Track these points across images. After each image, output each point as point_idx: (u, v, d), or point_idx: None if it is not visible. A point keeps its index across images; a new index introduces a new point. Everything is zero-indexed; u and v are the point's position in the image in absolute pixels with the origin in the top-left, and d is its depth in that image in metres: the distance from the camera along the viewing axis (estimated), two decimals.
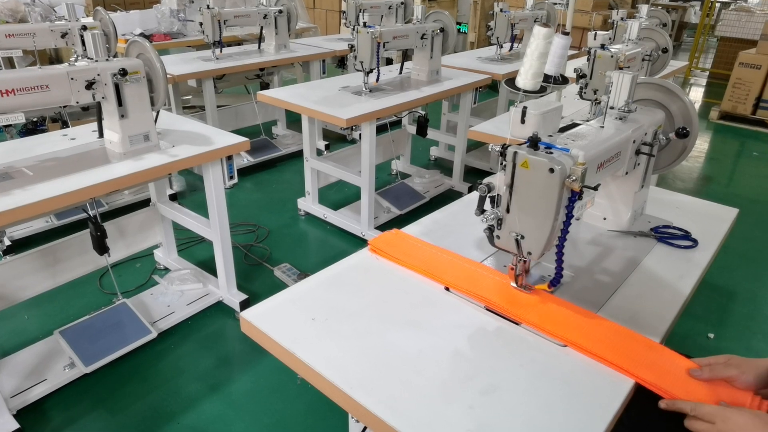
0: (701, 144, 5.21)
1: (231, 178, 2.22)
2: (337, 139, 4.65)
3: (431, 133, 3.86)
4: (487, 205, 1.12)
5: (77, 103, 1.84)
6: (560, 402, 0.92)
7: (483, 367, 0.99)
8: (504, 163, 1.06)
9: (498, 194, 1.10)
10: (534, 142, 1.02)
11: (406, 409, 0.89)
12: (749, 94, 5.70)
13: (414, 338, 1.06)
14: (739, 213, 1.64)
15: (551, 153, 1.01)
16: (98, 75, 1.86)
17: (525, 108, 1.11)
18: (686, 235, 1.47)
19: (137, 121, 2.01)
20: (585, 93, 2.31)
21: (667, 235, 1.47)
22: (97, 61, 1.89)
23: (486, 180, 1.11)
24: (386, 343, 1.04)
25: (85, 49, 1.89)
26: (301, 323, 1.08)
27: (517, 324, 1.10)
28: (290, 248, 3.07)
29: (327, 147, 4.31)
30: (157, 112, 2.13)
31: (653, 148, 1.35)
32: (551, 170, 0.98)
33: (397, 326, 1.09)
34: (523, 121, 1.12)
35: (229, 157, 2.19)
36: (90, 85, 1.84)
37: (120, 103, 1.95)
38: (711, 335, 2.46)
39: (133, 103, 1.98)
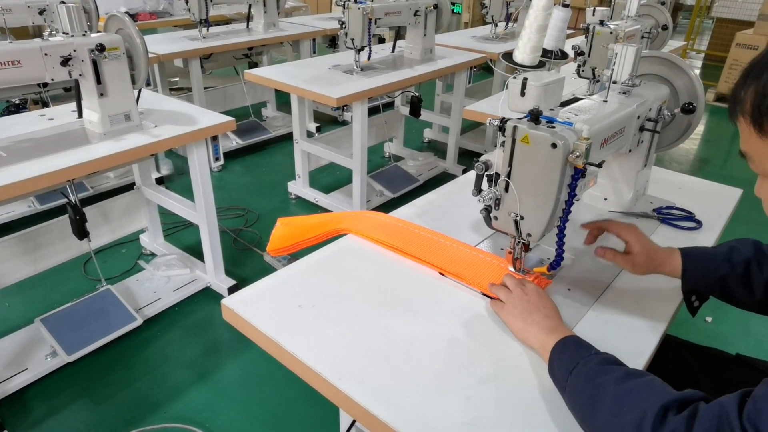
0: (698, 126, 5.15)
1: (217, 159, 2.14)
2: (328, 121, 4.56)
3: (425, 115, 3.78)
4: (485, 185, 1.06)
5: (52, 80, 1.74)
6: None
7: (481, 355, 0.93)
8: (503, 138, 0.99)
9: (496, 172, 1.03)
10: (535, 116, 0.95)
11: (398, 400, 0.83)
12: None
13: (407, 325, 1.00)
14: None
15: (553, 127, 0.94)
16: (74, 51, 1.76)
17: (525, 79, 1.04)
18: (690, 216, 1.42)
19: (117, 100, 1.92)
20: (583, 71, 2.23)
21: (670, 216, 1.42)
22: (73, 36, 1.80)
23: (483, 157, 1.04)
24: (378, 331, 0.98)
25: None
26: (286, 310, 1.02)
27: None
28: None
29: (318, 129, 4.21)
30: (139, 91, 2.04)
31: (658, 124, 1.28)
32: (554, 145, 0.92)
33: (390, 312, 1.03)
34: (522, 94, 1.04)
35: (214, 138, 2.10)
36: (66, 62, 1.75)
37: (99, 81, 1.85)
38: (708, 319, 2.43)
39: (113, 81, 1.89)
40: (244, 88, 4.15)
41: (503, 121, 0.97)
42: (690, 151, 4.52)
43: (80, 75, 1.82)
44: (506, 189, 1.01)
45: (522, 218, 1.01)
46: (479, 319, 1.03)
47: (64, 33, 1.80)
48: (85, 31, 1.83)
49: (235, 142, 3.89)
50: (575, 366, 0.82)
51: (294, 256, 1.34)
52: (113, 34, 1.90)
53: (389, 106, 4.12)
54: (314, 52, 4.23)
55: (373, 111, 3.48)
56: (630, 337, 0.99)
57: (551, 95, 1.05)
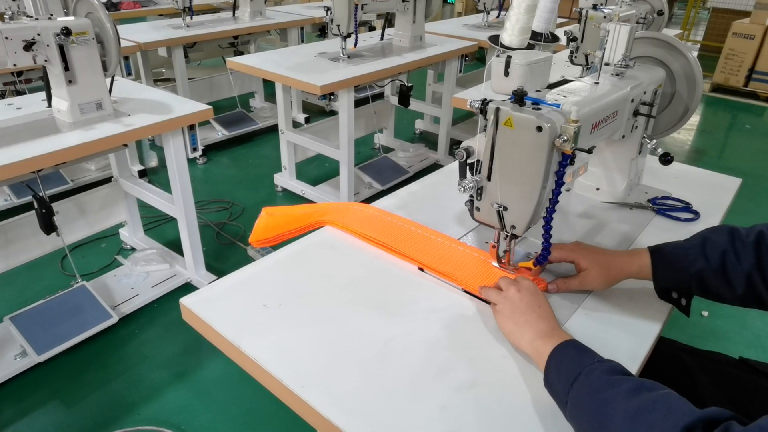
0: (693, 117, 5.08)
1: (194, 149, 2.05)
2: (318, 112, 4.47)
3: (416, 105, 3.70)
4: (468, 174, 0.98)
5: (15, 65, 1.65)
6: (551, 399, 0.79)
7: (460, 359, 0.86)
8: (485, 122, 0.91)
9: (478, 159, 0.95)
10: (519, 97, 0.87)
11: (366, 410, 0.75)
12: (742, 65, 5.56)
13: (382, 325, 0.92)
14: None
15: (539, 109, 0.86)
16: (38, 35, 1.67)
17: (509, 58, 0.96)
18: (687, 207, 1.34)
19: (88, 88, 1.83)
20: (576, 57, 2.15)
21: (665, 206, 1.34)
22: (37, 19, 1.70)
23: (465, 143, 0.96)
24: (349, 333, 0.90)
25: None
26: (249, 310, 0.94)
27: None
28: None
29: (307, 120, 4.12)
30: (111, 78, 1.95)
31: (653, 108, 1.20)
32: (539, 129, 0.83)
33: (364, 312, 0.95)
34: (506, 74, 0.96)
35: (192, 127, 2.01)
36: (29, 46, 1.65)
37: (66, 67, 1.76)
38: (705, 313, 2.36)
39: (82, 68, 1.80)
40: (230, 78, 4.04)
41: (485, 102, 0.89)
42: (685, 142, 4.45)
43: (46, 61, 1.72)
44: (489, 177, 0.93)
45: (505, 209, 0.93)
46: (461, 318, 0.95)
47: (27, 16, 1.70)
48: (51, 15, 1.74)
49: (221, 133, 3.79)
50: (576, 377, 0.72)
51: (277, 250, 1.27)
52: (82, 18, 1.81)
53: (379, 97, 4.02)
54: (302, 41, 4.13)
55: (363, 102, 3.39)
56: (623, 338, 0.92)
57: (537, 75, 0.97)
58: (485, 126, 0.91)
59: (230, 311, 0.93)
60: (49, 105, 1.93)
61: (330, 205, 1.30)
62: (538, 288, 0.93)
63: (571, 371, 0.74)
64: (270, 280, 1.03)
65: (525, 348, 0.85)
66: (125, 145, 1.96)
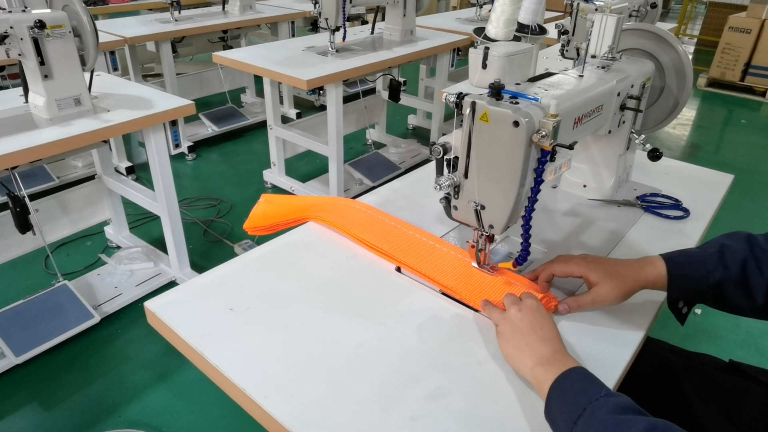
0: (688, 112, 5.04)
1: (177, 146, 2.01)
2: (310, 107, 4.41)
3: (409, 100, 3.65)
4: (445, 171, 0.94)
5: None
6: (529, 409, 0.75)
7: (434, 365, 0.82)
8: (461, 117, 0.87)
9: (455, 156, 0.91)
10: (497, 90, 0.83)
11: (330, 422, 0.71)
12: (738, 59, 5.51)
13: (354, 330, 0.88)
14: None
15: (517, 103, 0.82)
16: (11, 28, 1.62)
17: (487, 50, 0.92)
18: (676, 204, 1.30)
19: (65, 83, 1.78)
20: (567, 51, 2.12)
21: (654, 204, 1.30)
22: (10, 11, 1.65)
23: (442, 139, 0.92)
24: (319, 338, 0.86)
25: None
26: (216, 314, 0.90)
27: (477, 311, 0.93)
28: None
29: (298, 115, 4.08)
30: (91, 73, 1.90)
31: (641, 103, 1.16)
32: (516, 123, 0.79)
33: (335, 315, 0.91)
34: (484, 66, 0.92)
35: (174, 123, 1.97)
36: (1, 40, 1.61)
37: (42, 61, 1.71)
38: (698, 311, 2.33)
39: (59, 62, 1.75)
40: (220, 73, 3.99)
41: (460, 96, 0.85)
42: (681, 137, 4.42)
43: (20, 55, 1.68)
44: (466, 175, 0.89)
45: (483, 207, 0.89)
46: (436, 322, 0.91)
47: (0, 8, 1.65)
48: (26, 7, 1.69)
49: (210, 129, 3.74)
50: (581, 413, 0.65)
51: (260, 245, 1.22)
52: (58, 10, 1.76)
53: (371, 92, 3.98)
54: (293, 35, 4.07)
55: (354, 97, 3.35)
56: (606, 341, 0.88)
57: (517, 68, 0.93)
58: (461, 121, 0.87)
59: (196, 315, 0.89)
60: (27, 101, 1.88)
61: (331, 199, 1.26)
62: (542, 306, 0.86)
63: (575, 406, 0.67)
64: (240, 281, 0.99)
65: (526, 375, 0.78)
66: (105, 142, 1.92)
